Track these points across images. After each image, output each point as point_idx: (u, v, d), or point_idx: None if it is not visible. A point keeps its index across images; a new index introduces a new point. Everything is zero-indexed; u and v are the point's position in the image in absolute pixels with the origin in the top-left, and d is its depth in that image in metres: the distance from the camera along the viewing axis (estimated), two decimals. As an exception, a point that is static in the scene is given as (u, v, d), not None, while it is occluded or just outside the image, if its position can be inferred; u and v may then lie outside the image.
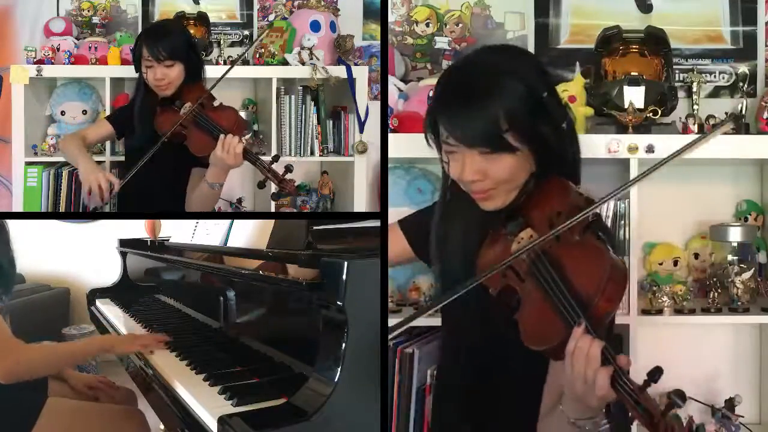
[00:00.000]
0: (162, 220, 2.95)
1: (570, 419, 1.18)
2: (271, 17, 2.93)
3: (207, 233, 2.23)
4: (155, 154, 2.04)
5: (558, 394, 1.24)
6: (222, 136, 1.99)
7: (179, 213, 2.56)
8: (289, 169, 2.03)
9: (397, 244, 1.60)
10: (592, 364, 1.09)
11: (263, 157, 2.09)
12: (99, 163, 2.43)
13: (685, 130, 2.13)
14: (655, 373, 1.08)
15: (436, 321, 2.05)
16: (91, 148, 2.38)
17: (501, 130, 1.22)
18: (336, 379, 1.23)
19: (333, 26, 2.83)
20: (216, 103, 2.19)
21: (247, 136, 2.63)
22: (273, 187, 2.08)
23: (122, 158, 2.54)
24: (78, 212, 2.87)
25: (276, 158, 2.09)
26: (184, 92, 2.16)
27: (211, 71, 2.66)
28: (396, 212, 2.19)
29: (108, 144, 2.66)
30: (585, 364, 1.09)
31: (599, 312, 1.12)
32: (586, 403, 1.13)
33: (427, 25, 2.50)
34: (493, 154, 1.24)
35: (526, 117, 1.23)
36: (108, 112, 2.64)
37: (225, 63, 2.76)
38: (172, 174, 2.17)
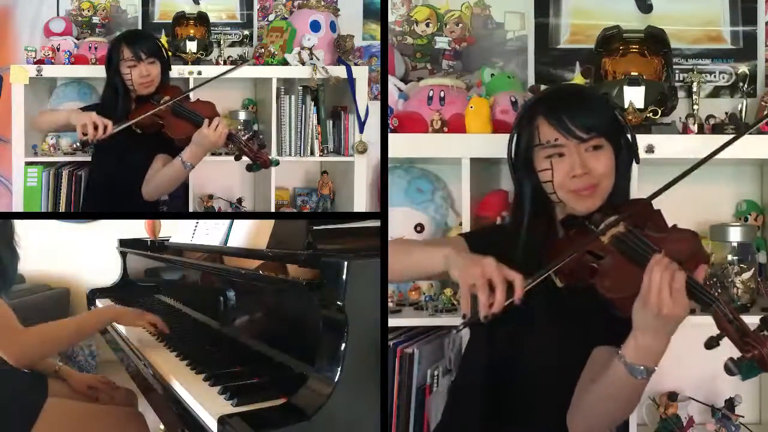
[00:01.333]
0: (162, 220, 2.96)
1: (627, 362, 1.24)
2: (271, 17, 2.93)
3: (207, 233, 2.23)
4: (125, 149, 2.21)
5: (591, 381, 1.34)
6: (207, 119, 2.14)
7: (179, 213, 2.57)
8: (262, 145, 2.30)
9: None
10: (669, 272, 1.20)
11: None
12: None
13: (685, 130, 2.13)
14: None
15: (437, 321, 2.05)
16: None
17: (606, 123, 1.45)
18: (336, 379, 1.23)
19: (333, 26, 2.83)
20: (193, 99, 2.35)
21: (247, 136, 2.64)
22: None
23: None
24: (78, 212, 2.87)
25: (253, 136, 2.34)
26: (161, 92, 2.29)
27: (211, 71, 2.69)
28: (396, 212, 2.21)
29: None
30: (662, 273, 1.20)
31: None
32: (654, 327, 1.22)
33: (427, 25, 2.50)
34: (595, 151, 1.43)
35: (615, 122, 1.48)
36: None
37: (225, 63, 2.76)
38: (141, 167, 2.26)
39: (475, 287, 1.25)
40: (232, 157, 2.70)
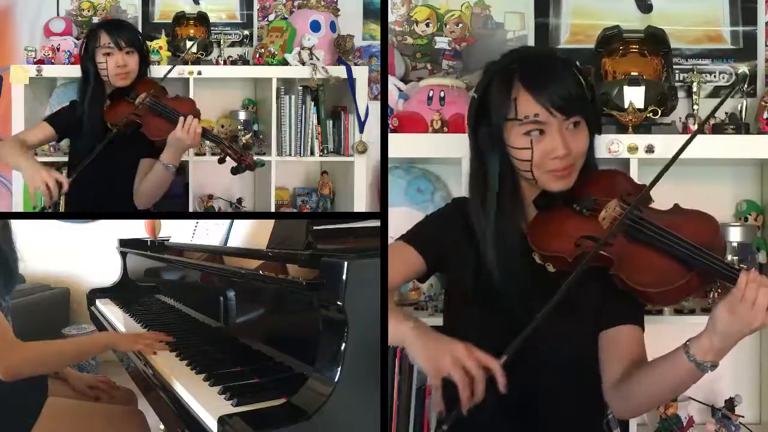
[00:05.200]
0: (162, 220, 2.96)
1: (697, 360, 1.24)
2: (271, 17, 2.93)
3: (207, 233, 2.23)
4: (105, 150, 2.08)
5: (630, 360, 1.35)
6: (182, 117, 2.05)
7: (179, 213, 2.56)
8: (247, 147, 2.24)
9: (408, 260, 1.51)
10: (765, 289, 1.18)
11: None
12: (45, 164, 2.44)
13: (685, 130, 2.13)
14: None
15: (437, 321, 2.05)
16: (31, 151, 2.31)
17: (586, 99, 1.37)
18: (336, 379, 1.23)
19: (333, 26, 2.83)
20: (171, 95, 2.27)
21: (247, 136, 2.64)
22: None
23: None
24: (78, 212, 2.87)
25: (235, 138, 2.30)
26: (137, 86, 2.19)
27: (211, 71, 2.69)
28: (396, 212, 2.20)
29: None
30: (758, 288, 1.18)
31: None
32: (735, 335, 1.22)
33: (427, 25, 2.50)
34: (575, 129, 1.36)
35: (585, 91, 1.38)
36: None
37: (225, 63, 2.76)
38: (121, 169, 2.18)
39: (451, 378, 1.18)
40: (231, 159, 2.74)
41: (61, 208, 2.30)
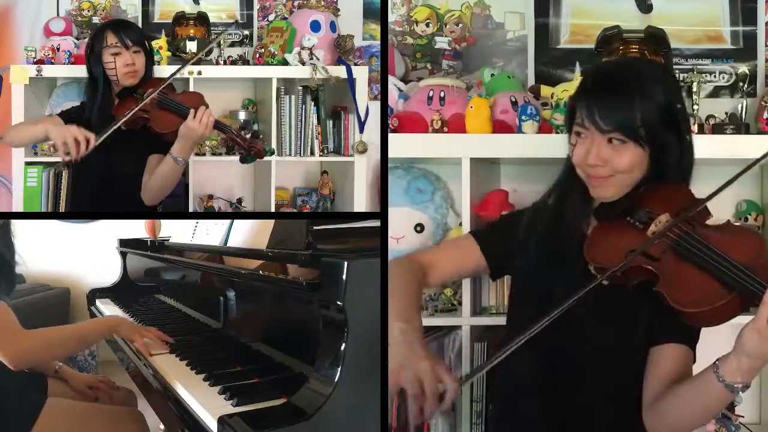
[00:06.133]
0: (162, 220, 2.96)
1: (727, 381, 1.22)
2: (271, 17, 2.93)
3: (207, 233, 2.23)
4: (110, 149, 2.07)
5: (670, 380, 1.34)
6: (192, 110, 2.04)
7: (179, 213, 2.56)
8: (255, 135, 2.18)
9: (466, 254, 1.57)
10: None
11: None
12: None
13: (685, 130, 2.13)
14: None
15: (437, 321, 2.05)
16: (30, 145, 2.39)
17: (636, 123, 1.34)
18: (336, 379, 1.23)
19: (333, 26, 2.83)
20: (179, 91, 2.26)
21: (248, 136, 2.64)
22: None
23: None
24: (78, 212, 2.87)
25: (243, 127, 2.23)
26: (145, 85, 2.19)
27: (211, 71, 2.69)
28: (396, 212, 2.20)
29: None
30: None
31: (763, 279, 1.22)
32: (764, 356, 1.20)
33: (427, 25, 2.50)
34: (620, 144, 1.35)
35: (659, 121, 1.36)
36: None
37: (225, 63, 2.76)
38: (126, 169, 2.17)
39: (405, 391, 1.20)
40: (232, 157, 2.74)
41: (65, 208, 2.32)
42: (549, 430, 1.45)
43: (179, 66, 2.34)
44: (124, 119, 2.07)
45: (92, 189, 2.21)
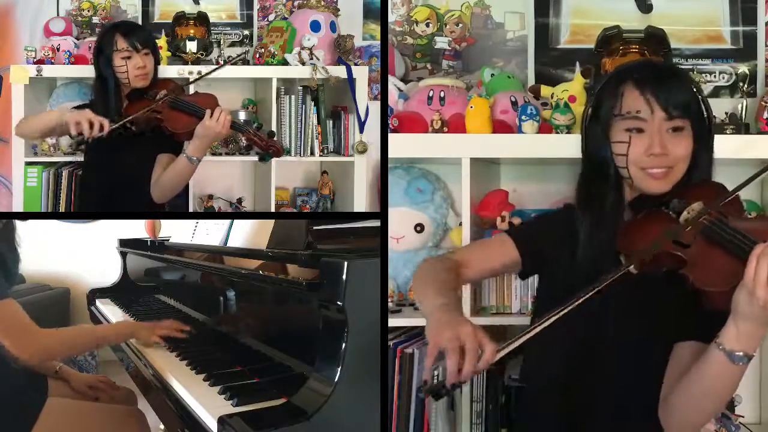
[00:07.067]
0: (162, 220, 2.96)
1: (727, 349, 1.21)
2: (271, 17, 2.93)
3: (207, 233, 2.23)
4: (119, 149, 2.11)
5: (683, 377, 1.31)
6: (208, 110, 2.05)
7: (179, 213, 2.56)
8: (271, 134, 2.19)
9: (501, 252, 1.56)
10: None
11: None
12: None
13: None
14: None
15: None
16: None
17: (694, 105, 1.36)
18: (336, 379, 1.23)
19: (333, 26, 2.83)
20: (191, 92, 2.29)
21: (255, 126, 2.66)
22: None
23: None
24: (78, 212, 2.87)
25: (260, 126, 2.25)
26: (154, 87, 2.21)
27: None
28: (396, 212, 2.21)
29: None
30: None
31: None
32: (759, 316, 1.18)
33: (427, 25, 2.50)
34: (678, 133, 1.35)
35: (698, 103, 1.38)
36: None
37: (225, 63, 2.76)
38: (138, 168, 2.18)
39: (444, 350, 1.19)
40: (232, 157, 2.74)
41: (65, 207, 2.32)
42: (569, 425, 1.44)
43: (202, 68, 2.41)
44: (142, 112, 2.09)
45: (102, 189, 2.23)
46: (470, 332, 1.20)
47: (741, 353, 1.21)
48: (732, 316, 1.21)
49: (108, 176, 2.18)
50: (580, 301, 1.21)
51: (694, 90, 1.38)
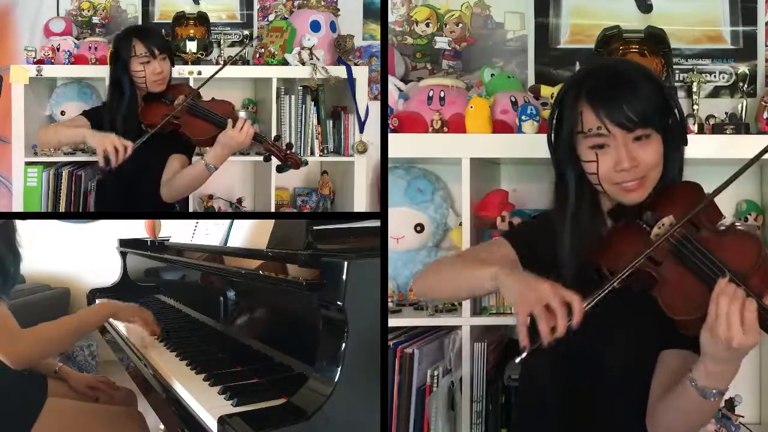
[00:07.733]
0: (162, 220, 2.96)
1: (699, 386, 1.21)
2: (271, 17, 2.93)
3: (207, 233, 2.23)
4: (137, 149, 2.12)
5: (668, 385, 1.31)
6: (231, 120, 2.10)
7: (179, 213, 2.56)
8: (290, 146, 2.24)
9: (499, 254, 1.53)
10: (737, 302, 1.14)
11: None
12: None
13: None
14: None
15: (437, 321, 2.06)
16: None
17: (655, 111, 1.31)
18: (336, 379, 1.23)
19: (333, 26, 2.83)
20: (208, 98, 2.31)
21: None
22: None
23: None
24: (78, 212, 2.87)
25: (278, 138, 2.32)
26: (171, 91, 2.25)
27: (211, 71, 2.68)
28: (396, 212, 2.21)
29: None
30: (730, 303, 1.14)
31: (754, 289, 1.18)
32: (724, 357, 1.17)
33: (427, 25, 2.50)
34: (645, 140, 1.32)
35: (662, 105, 1.34)
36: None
37: (225, 63, 2.76)
38: (155, 167, 2.22)
39: (534, 314, 1.17)
40: (232, 157, 2.72)
41: (80, 208, 2.35)
42: (569, 425, 1.44)
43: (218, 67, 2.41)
44: (162, 122, 2.13)
45: (119, 188, 2.27)
46: (549, 290, 1.18)
47: (714, 390, 1.21)
48: (701, 354, 1.20)
49: (125, 175, 2.19)
50: (605, 290, 1.20)
51: (653, 92, 1.33)
